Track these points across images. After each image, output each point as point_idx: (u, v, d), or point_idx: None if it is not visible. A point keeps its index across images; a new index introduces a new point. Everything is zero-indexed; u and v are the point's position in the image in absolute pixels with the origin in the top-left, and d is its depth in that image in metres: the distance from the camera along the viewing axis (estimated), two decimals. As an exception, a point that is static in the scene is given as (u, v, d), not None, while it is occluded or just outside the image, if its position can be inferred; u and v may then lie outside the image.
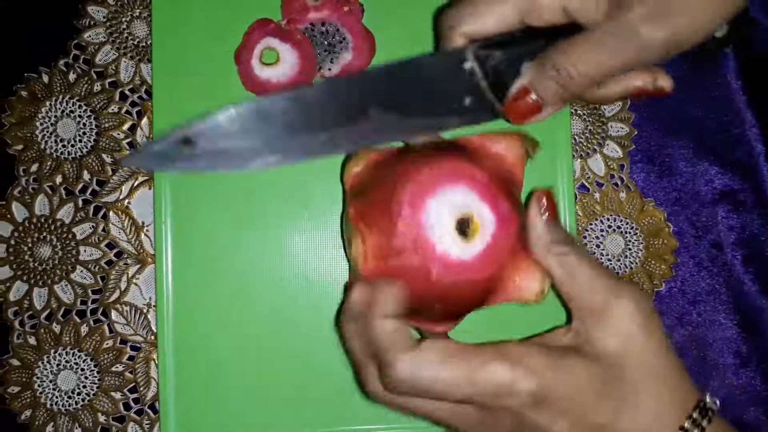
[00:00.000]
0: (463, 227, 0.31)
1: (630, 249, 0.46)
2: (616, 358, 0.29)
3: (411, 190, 0.32)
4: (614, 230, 0.46)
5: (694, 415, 0.28)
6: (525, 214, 0.33)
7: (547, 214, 0.31)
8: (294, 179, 0.44)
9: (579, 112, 0.47)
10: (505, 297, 0.33)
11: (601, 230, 0.46)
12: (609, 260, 0.46)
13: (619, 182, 0.47)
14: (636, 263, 0.46)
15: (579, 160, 0.46)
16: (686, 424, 0.28)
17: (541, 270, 0.32)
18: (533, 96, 0.32)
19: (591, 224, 0.46)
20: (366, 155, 0.35)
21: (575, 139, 0.46)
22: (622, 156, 0.47)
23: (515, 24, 0.32)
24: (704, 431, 0.28)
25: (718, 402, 0.29)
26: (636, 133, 0.47)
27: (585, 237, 0.46)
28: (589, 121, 0.47)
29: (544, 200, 0.32)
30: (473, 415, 0.29)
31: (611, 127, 0.47)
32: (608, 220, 0.46)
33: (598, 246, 0.46)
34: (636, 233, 0.46)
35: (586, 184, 0.47)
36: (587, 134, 0.47)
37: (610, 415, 0.28)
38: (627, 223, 0.46)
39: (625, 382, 0.29)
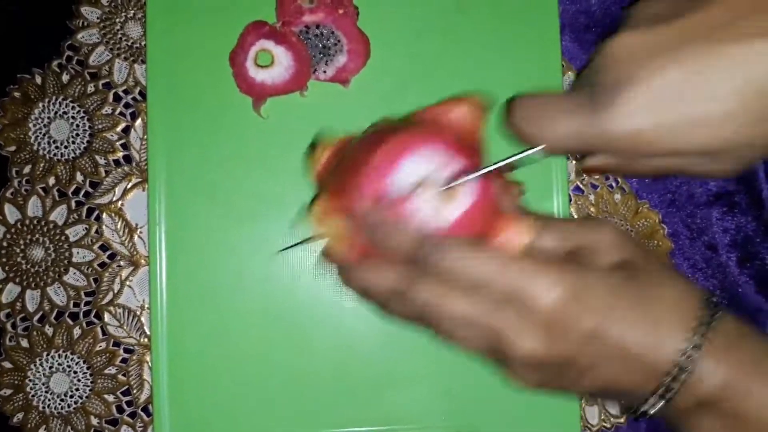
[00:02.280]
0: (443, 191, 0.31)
1: (625, 251, 0.46)
2: (620, 268, 0.31)
3: (381, 157, 0.31)
4: (609, 232, 0.46)
5: (713, 298, 0.30)
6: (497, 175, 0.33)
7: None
8: (287, 181, 0.43)
9: (574, 114, 0.47)
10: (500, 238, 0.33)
11: (596, 232, 0.46)
12: (604, 262, 0.46)
13: (613, 184, 0.47)
14: (631, 265, 0.46)
15: (573, 162, 0.46)
16: (699, 313, 0.29)
17: (524, 224, 0.33)
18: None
19: (586, 226, 0.46)
20: (326, 146, 0.35)
21: (570, 141, 0.46)
22: (616, 158, 0.47)
23: None
24: (715, 320, 0.29)
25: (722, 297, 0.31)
26: (630, 135, 0.47)
27: (580, 239, 0.46)
28: (583, 123, 0.47)
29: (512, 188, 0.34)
30: (511, 318, 0.29)
31: (606, 129, 0.47)
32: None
33: (592, 248, 0.46)
34: (631, 235, 0.46)
35: (581, 186, 0.47)
36: (582, 136, 0.47)
37: (630, 315, 0.29)
38: (622, 225, 0.46)
39: (639, 284, 0.30)
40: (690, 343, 0.28)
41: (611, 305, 0.29)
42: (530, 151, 0.33)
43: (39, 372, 0.43)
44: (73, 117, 0.45)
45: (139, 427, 0.44)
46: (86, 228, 0.44)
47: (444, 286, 0.30)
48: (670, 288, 0.30)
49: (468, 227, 0.31)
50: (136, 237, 0.44)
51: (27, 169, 0.44)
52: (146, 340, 0.44)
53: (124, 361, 0.44)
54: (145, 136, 0.44)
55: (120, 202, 0.45)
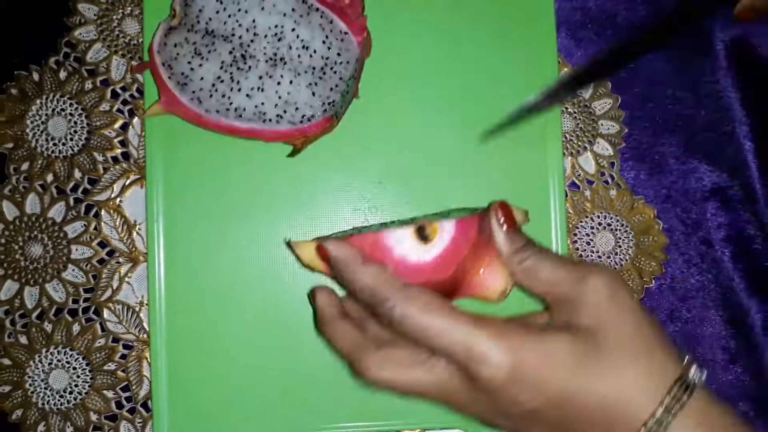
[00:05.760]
0: (422, 231, 0.32)
1: (620, 246, 0.46)
2: (593, 334, 0.29)
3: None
4: (605, 228, 0.47)
5: (675, 389, 0.29)
6: (485, 216, 0.34)
7: (504, 225, 0.33)
8: (286, 178, 0.44)
9: (570, 110, 0.47)
10: (470, 293, 0.34)
11: (592, 228, 0.46)
12: (599, 257, 0.46)
13: (609, 180, 0.47)
14: (626, 260, 0.46)
15: (569, 157, 0.47)
16: (666, 400, 0.28)
17: (504, 269, 0.33)
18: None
19: (581, 222, 0.46)
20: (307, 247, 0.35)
21: (566, 137, 0.47)
22: (612, 154, 0.47)
23: None
24: (684, 406, 0.28)
25: (703, 373, 0.30)
26: (626, 130, 0.47)
27: (576, 234, 0.46)
28: (579, 119, 0.47)
29: (500, 213, 0.33)
30: (456, 385, 0.30)
31: (602, 124, 0.47)
32: (599, 217, 0.47)
33: (588, 243, 0.46)
34: (626, 231, 0.47)
35: (577, 181, 0.47)
36: (578, 132, 0.47)
37: (590, 388, 0.29)
38: (617, 221, 0.47)
39: (602, 356, 0.29)
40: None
41: (562, 386, 0.29)
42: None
43: (38, 368, 0.44)
44: (70, 114, 0.45)
45: (139, 422, 0.44)
46: (85, 225, 0.44)
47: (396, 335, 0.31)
48: (638, 368, 0.29)
49: (443, 270, 0.32)
50: (134, 233, 0.45)
51: (25, 166, 0.44)
52: (145, 336, 0.44)
53: (123, 357, 0.44)
54: (143, 133, 0.44)
55: (118, 199, 0.45)
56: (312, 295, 0.34)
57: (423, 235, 0.32)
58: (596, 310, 0.30)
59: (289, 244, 0.37)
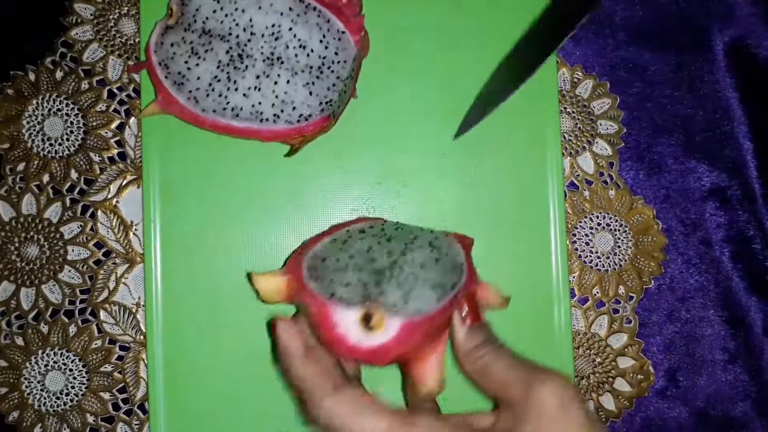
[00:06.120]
0: (368, 321, 0.32)
1: (619, 246, 0.46)
2: None
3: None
4: (603, 228, 0.46)
5: None
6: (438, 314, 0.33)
7: (468, 319, 0.33)
8: (283, 177, 0.43)
9: (568, 109, 0.47)
10: (410, 375, 0.34)
11: (591, 228, 0.46)
12: (598, 258, 0.46)
13: (608, 180, 0.47)
14: (625, 260, 0.46)
15: (568, 157, 0.47)
16: None
17: (439, 370, 0.33)
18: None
19: (580, 222, 0.46)
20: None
21: (564, 137, 0.46)
22: (611, 154, 0.47)
23: None
24: None
25: None
26: (625, 130, 0.47)
27: (575, 235, 0.46)
28: (578, 119, 0.47)
29: (466, 307, 0.33)
30: None
31: (600, 125, 0.47)
32: (597, 217, 0.46)
33: (587, 244, 0.46)
34: (625, 231, 0.46)
35: (576, 181, 0.47)
36: (576, 132, 0.47)
37: None
38: (616, 221, 0.46)
39: None
40: None
41: None
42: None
43: (34, 370, 0.43)
44: (67, 114, 0.44)
45: (136, 424, 0.44)
46: (81, 225, 0.44)
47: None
48: None
49: (378, 359, 0.32)
50: (131, 234, 0.44)
51: (21, 167, 0.44)
52: (142, 337, 0.44)
53: (119, 358, 0.44)
54: (140, 133, 0.44)
55: (115, 200, 0.44)
56: (272, 328, 0.34)
57: (368, 325, 0.32)
58: (542, 420, 0.29)
59: (249, 277, 0.37)
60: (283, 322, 0.32)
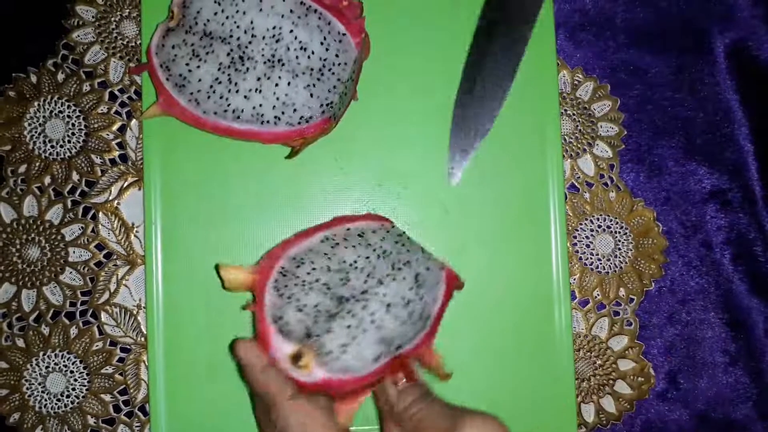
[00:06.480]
0: (296, 360, 0.34)
1: (620, 249, 0.46)
2: None
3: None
4: (604, 230, 0.46)
5: None
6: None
7: (403, 380, 0.35)
8: (284, 179, 0.43)
9: (569, 112, 0.47)
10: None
11: (591, 230, 0.46)
12: (599, 260, 0.46)
13: (608, 182, 0.47)
14: (626, 263, 0.46)
15: (569, 160, 0.47)
16: None
17: (351, 411, 0.35)
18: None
19: (581, 224, 0.46)
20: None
21: (565, 139, 0.46)
22: (611, 156, 0.47)
23: None
24: None
25: None
26: (625, 133, 0.47)
27: (575, 237, 0.46)
28: (579, 121, 0.47)
29: (401, 373, 0.35)
30: None
31: (601, 127, 0.47)
32: (598, 220, 0.46)
33: (588, 246, 0.46)
34: (626, 233, 0.46)
35: (576, 184, 0.47)
36: (577, 134, 0.47)
37: None
38: (617, 223, 0.46)
39: None
40: None
41: None
42: None
43: (35, 372, 0.43)
44: (68, 116, 0.44)
45: (136, 426, 0.44)
46: (82, 227, 0.44)
47: None
48: None
49: (309, 390, 0.34)
50: (132, 236, 0.44)
51: (22, 169, 0.44)
52: (143, 339, 0.44)
53: (120, 360, 0.44)
54: (141, 135, 0.44)
55: (116, 201, 0.44)
56: (234, 349, 0.36)
57: (296, 363, 0.34)
58: None
59: (216, 268, 0.39)
60: (243, 343, 0.35)
